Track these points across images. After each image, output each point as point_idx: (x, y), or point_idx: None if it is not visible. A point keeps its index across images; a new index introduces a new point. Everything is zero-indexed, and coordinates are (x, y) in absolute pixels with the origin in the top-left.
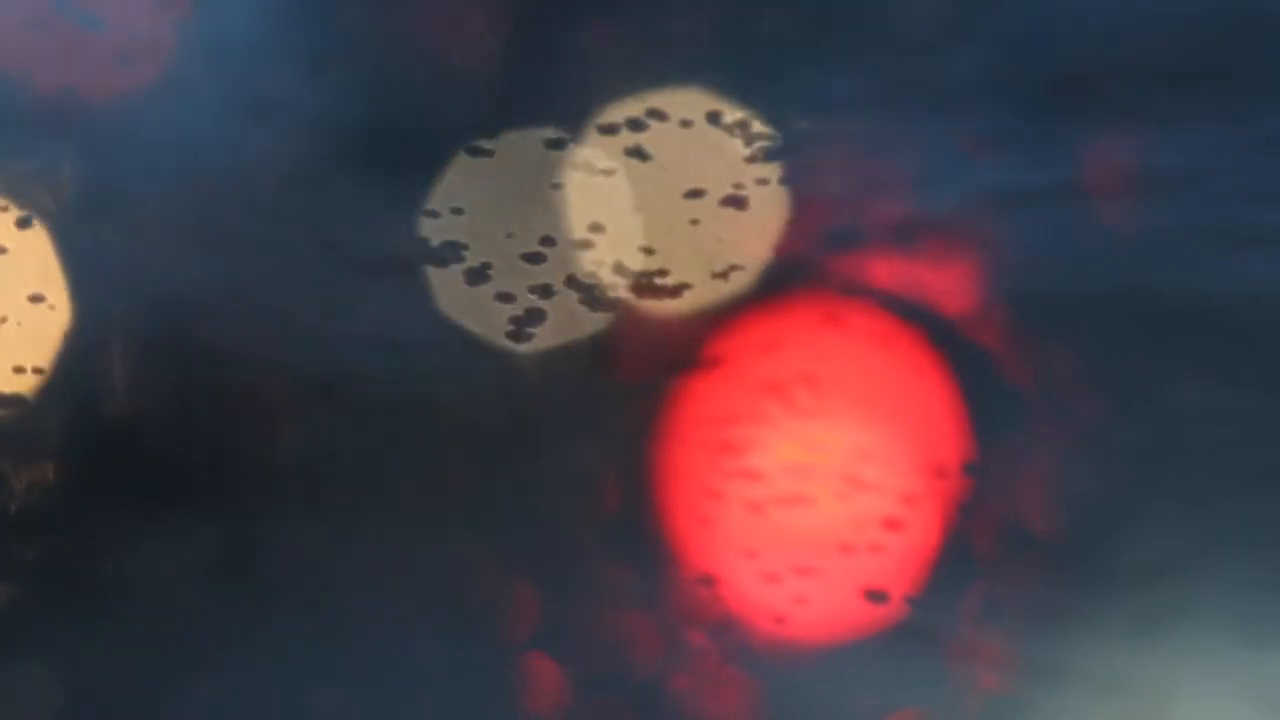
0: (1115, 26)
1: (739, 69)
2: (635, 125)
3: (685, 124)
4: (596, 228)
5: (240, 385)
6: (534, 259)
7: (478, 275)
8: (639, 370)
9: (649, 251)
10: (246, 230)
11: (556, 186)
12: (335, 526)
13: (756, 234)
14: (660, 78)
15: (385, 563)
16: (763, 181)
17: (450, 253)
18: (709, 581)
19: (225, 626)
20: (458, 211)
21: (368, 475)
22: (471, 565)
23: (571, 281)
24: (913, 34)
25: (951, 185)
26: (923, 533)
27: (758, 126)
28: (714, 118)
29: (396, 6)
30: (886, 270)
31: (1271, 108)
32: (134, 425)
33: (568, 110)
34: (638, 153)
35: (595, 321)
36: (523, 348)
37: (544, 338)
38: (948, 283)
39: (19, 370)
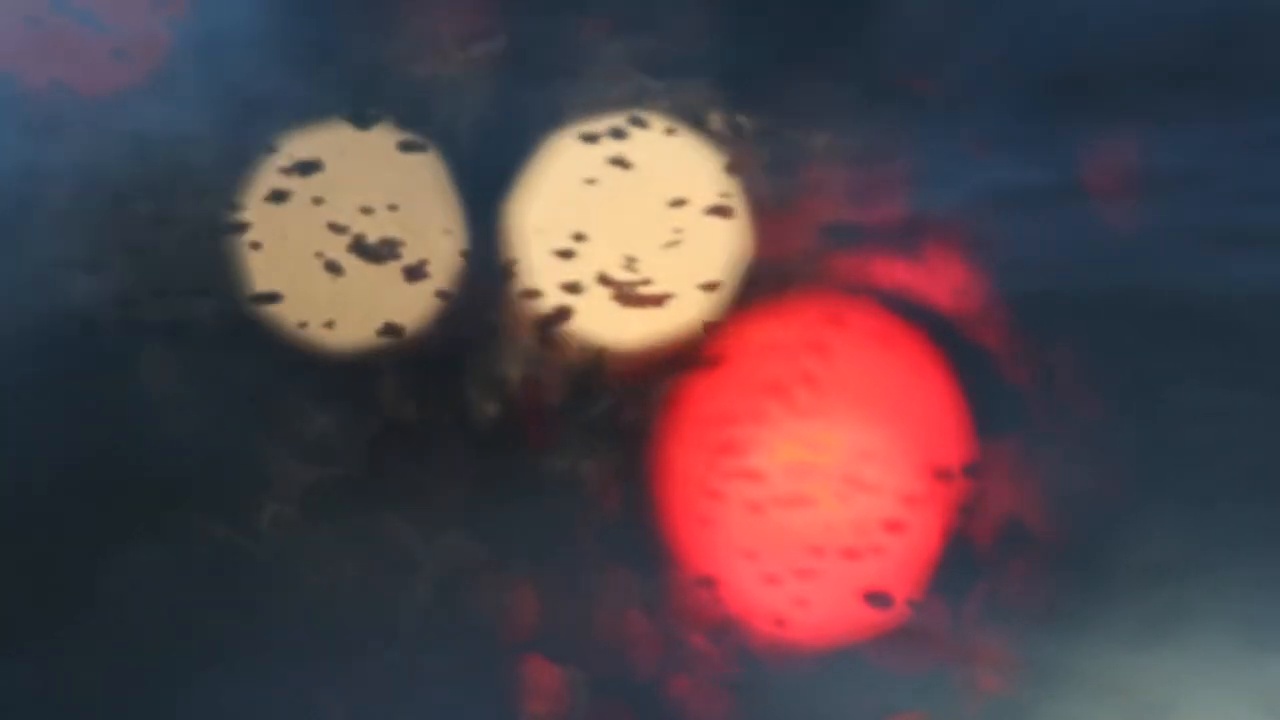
0: (1115, 26)
1: (736, 71)
2: (618, 133)
3: (671, 131)
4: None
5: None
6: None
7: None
8: (639, 371)
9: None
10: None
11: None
12: (337, 526)
13: (752, 237)
14: (653, 80)
15: (386, 563)
16: (758, 185)
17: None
18: (709, 583)
19: (224, 627)
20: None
21: (372, 475)
22: (472, 565)
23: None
24: (913, 34)
25: (951, 185)
26: (923, 534)
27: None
28: (707, 123)
29: (391, 4)
30: (886, 270)
31: (1271, 108)
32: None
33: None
34: (620, 161)
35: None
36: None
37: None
38: (948, 283)
39: None
